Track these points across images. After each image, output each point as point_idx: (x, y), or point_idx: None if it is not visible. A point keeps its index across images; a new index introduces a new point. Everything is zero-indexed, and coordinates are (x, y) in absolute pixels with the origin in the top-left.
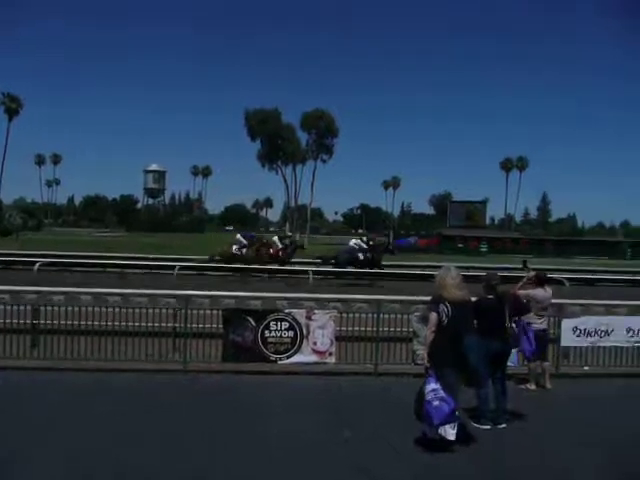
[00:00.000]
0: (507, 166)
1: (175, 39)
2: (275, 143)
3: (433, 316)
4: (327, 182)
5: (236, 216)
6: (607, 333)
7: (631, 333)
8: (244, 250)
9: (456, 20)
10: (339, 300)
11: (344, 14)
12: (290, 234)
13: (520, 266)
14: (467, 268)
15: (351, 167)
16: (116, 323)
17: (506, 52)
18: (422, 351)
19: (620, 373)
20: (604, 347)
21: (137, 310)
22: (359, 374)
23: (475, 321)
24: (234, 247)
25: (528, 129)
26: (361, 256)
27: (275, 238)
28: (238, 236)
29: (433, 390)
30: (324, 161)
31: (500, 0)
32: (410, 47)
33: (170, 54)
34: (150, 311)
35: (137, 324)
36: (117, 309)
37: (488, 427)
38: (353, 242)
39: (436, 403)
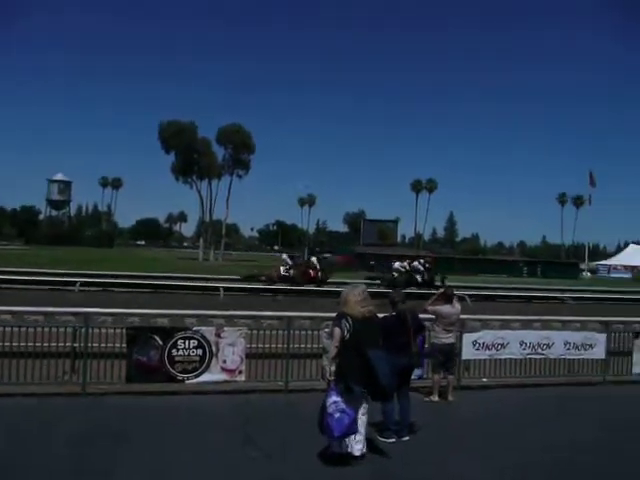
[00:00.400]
0: (417, 187)
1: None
2: (190, 156)
3: (336, 331)
4: (243, 198)
5: (148, 230)
6: (503, 346)
7: (524, 346)
8: (291, 271)
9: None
10: (249, 317)
11: (262, 27)
12: (327, 255)
13: (440, 283)
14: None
15: (268, 183)
16: (7, 343)
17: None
18: (326, 364)
19: (515, 384)
20: (500, 359)
21: (31, 329)
22: (269, 391)
23: (384, 336)
24: (282, 268)
25: (437, 153)
26: (419, 278)
27: (314, 259)
28: (284, 257)
29: (334, 402)
30: (240, 176)
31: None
32: (326, 68)
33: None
34: (47, 330)
35: (32, 344)
36: (9, 328)
37: (392, 440)
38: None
39: (337, 415)
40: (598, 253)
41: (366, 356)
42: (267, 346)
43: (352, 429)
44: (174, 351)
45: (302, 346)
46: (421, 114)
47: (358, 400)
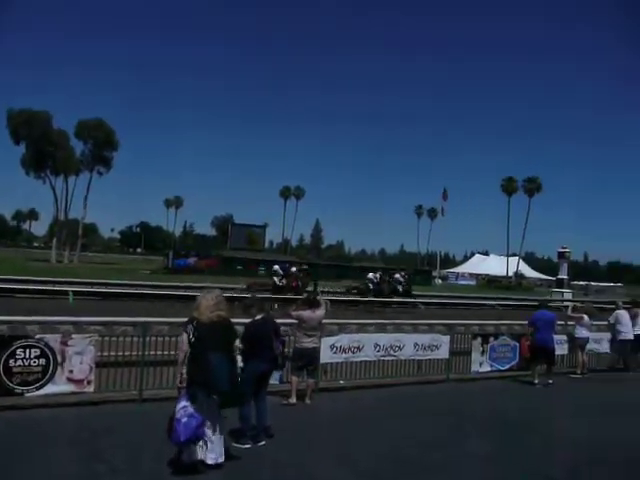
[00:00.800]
0: (285, 194)
1: None
2: (43, 149)
3: (183, 336)
4: (104, 197)
5: None
6: (359, 349)
7: (378, 348)
8: (284, 281)
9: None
10: (100, 323)
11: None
12: (306, 267)
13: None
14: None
15: (132, 183)
16: None
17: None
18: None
19: (370, 384)
20: (356, 362)
21: None
22: (122, 402)
23: (243, 342)
24: (275, 279)
25: (306, 162)
26: (400, 288)
27: (293, 269)
28: (276, 267)
29: (183, 407)
30: (101, 174)
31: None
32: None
33: None
34: None
35: None
36: None
37: (248, 446)
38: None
39: (184, 420)
40: (449, 261)
41: (208, 361)
42: (120, 354)
43: (198, 433)
44: (12, 361)
45: (159, 353)
46: (292, 125)
47: (208, 406)
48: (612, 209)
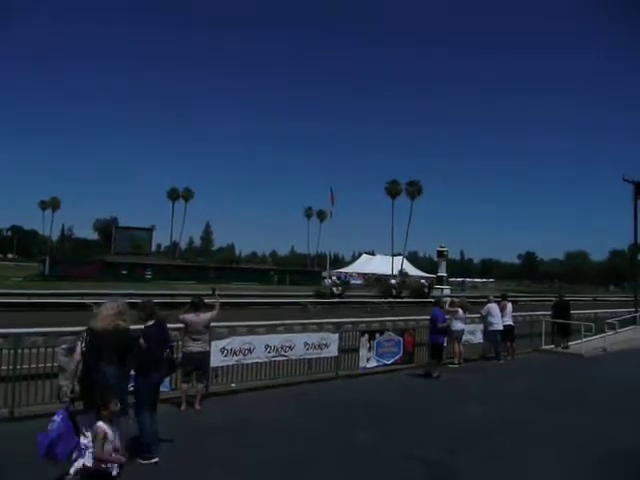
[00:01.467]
0: (173, 196)
1: None
2: None
3: (77, 345)
4: None
5: None
6: (250, 351)
7: (269, 349)
8: (340, 288)
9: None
10: None
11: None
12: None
13: (210, 292)
14: (129, 295)
15: (3, 184)
16: None
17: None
18: (63, 383)
19: (262, 386)
20: (248, 364)
21: None
22: None
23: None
24: (334, 288)
25: (194, 163)
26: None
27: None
28: (334, 278)
29: (52, 421)
30: None
31: None
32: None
33: None
34: None
35: None
36: None
37: (156, 460)
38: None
39: (53, 435)
40: (338, 262)
41: (102, 372)
42: None
43: (55, 452)
44: None
45: (33, 366)
46: (180, 125)
47: (91, 418)
48: (485, 211)
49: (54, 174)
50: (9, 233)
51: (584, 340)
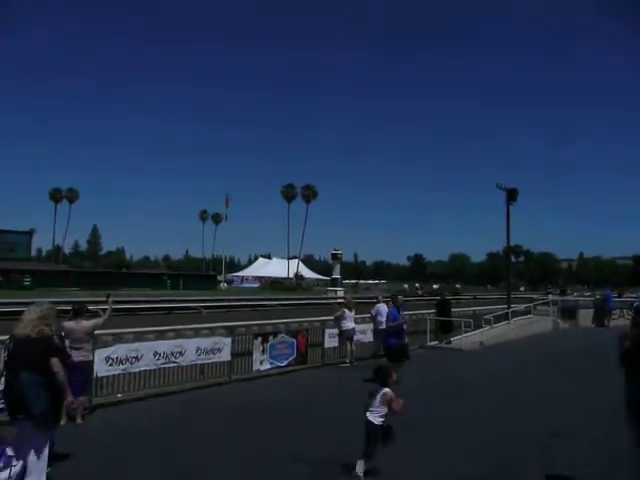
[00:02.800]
0: (56, 197)
1: None
2: None
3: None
4: None
5: None
6: (137, 359)
7: (158, 356)
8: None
9: None
10: None
11: None
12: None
13: (104, 299)
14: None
15: None
16: None
17: None
18: None
19: (151, 394)
20: (135, 372)
21: None
22: None
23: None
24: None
25: (78, 163)
26: None
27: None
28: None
29: None
30: None
31: None
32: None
33: None
34: None
35: None
36: None
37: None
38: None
39: None
40: (234, 266)
41: (17, 380)
42: None
43: None
44: None
45: None
46: (64, 120)
47: (20, 429)
48: (377, 214)
49: None
50: None
51: (464, 335)
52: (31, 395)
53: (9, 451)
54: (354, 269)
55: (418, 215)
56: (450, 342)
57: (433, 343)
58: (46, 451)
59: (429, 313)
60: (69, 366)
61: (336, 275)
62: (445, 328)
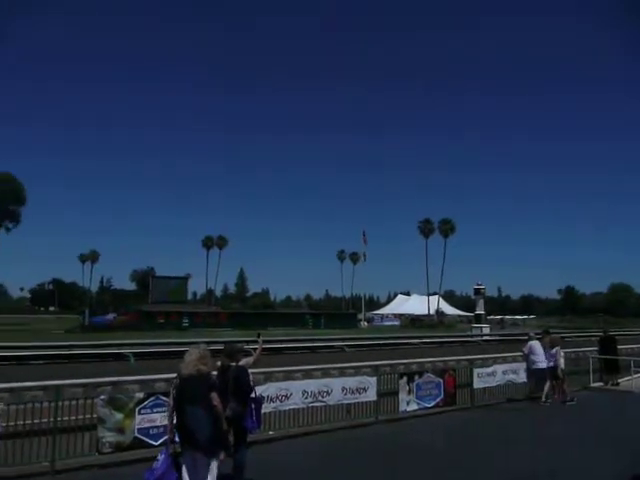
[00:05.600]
0: (208, 244)
1: None
2: None
3: (170, 391)
4: (12, 254)
5: None
6: (287, 397)
7: (306, 395)
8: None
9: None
10: (7, 390)
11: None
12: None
13: (255, 338)
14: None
15: (43, 238)
16: None
17: None
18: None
19: (300, 433)
20: (285, 410)
21: None
22: (32, 476)
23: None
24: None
25: (227, 212)
26: None
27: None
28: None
29: (158, 460)
30: (8, 229)
31: None
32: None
33: None
34: None
35: None
36: None
37: None
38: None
39: (158, 472)
40: (373, 303)
41: (188, 415)
42: (29, 422)
43: None
44: None
45: (72, 418)
46: (209, 176)
47: (189, 459)
48: (520, 247)
49: (92, 228)
50: (50, 286)
51: (635, 377)
52: (196, 427)
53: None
54: (498, 304)
55: (565, 247)
56: (618, 384)
57: (597, 384)
58: (213, 476)
59: (590, 351)
60: (254, 401)
61: (480, 311)
62: (611, 368)
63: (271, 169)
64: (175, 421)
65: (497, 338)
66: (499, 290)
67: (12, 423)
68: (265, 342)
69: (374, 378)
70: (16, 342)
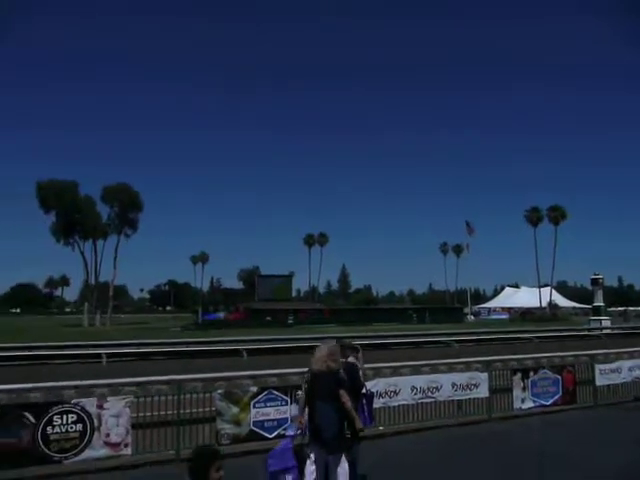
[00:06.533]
0: (309, 241)
1: None
2: (72, 217)
3: (302, 386)
4: (132, 258)
5: (24, 297)
6: (396, 393)
7: (415, 391)
8: None
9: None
10: (135, 384)
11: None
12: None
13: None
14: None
15: (158, 242)
16: None
17: None
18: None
19: (410, 429)
20: (394, 406)
21: None
22: (159, 463)
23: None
24: None
25: (328, 205)
26: None
27: None
28: None
29: (281, 443)
30: (128, 235)
31: None
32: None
33: None
34: None
35: None
36: None
37: None
38: None
39: (276, 452)
40: (479, 297)
41: (318, 412)
42: (156, 414)
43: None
44: (49, 429)
45: (194, 411)
46: (309, 173)
47: (315, 453)
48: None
49: (202, 231)
50: (166, 287)
51: None
52: (324, 422)
53: (310, 467)
54: (618, 295)
55: None
56: None
57: None
58: (344, 471)
59: None
60: (365, 396)
61: (599, 302)
62: None
63: (366, 167)
64: (306, 416)
65: (620, 332)
66: (620, 280)
67: (141, 414)
68: (370, 338)
69: (485, 374)
70: (140, 339)
